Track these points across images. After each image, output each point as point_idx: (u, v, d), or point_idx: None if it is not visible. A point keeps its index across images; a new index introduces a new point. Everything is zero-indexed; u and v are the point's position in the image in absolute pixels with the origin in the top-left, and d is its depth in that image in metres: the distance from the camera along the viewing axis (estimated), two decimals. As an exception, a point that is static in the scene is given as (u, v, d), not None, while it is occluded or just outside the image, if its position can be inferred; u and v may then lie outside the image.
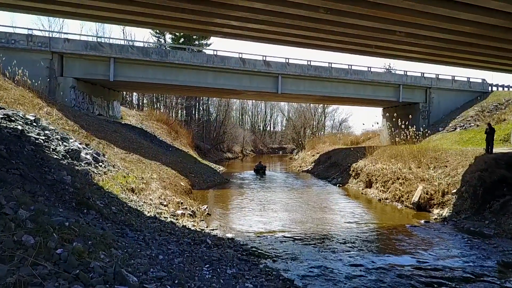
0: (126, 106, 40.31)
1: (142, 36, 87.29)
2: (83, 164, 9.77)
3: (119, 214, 7.86)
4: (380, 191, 16.45)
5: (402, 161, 16.57)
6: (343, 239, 9.55)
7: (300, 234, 9.95)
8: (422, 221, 11.57)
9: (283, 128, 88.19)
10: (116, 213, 7.79)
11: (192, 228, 9.08)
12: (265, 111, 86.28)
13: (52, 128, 11.12)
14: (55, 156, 8.93)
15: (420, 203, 13.24)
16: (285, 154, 68.90)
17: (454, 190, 12.55)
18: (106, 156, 13.25)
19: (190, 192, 15.96)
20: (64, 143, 10.37)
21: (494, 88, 30.48)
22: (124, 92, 45.13)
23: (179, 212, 10.48)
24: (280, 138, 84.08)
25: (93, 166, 10.32)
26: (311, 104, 55.22)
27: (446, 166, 14.25)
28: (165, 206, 10.79)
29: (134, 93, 47.99)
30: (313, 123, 55.05)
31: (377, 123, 37.90)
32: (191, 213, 10.94)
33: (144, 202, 10.05)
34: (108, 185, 9.41)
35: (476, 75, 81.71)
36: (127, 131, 22.15)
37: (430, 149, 16.29)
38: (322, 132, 58.04)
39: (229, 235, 9.19)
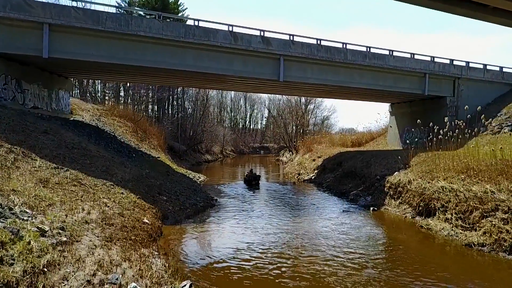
0: (89, 100, 32.74)
1: None
2: None
3: None
4: (456, 226, 10.68)
5: (485, 179, 10.92)
6: None
7: None
8: None
9: (263, 126, 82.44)
10: None
11: None
12: (246, 107, 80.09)
13: None
14: None
15: None
16: (267, 154, 63.38)
17: None
18: (-10, 184, 6.76)
19: (159, 234, 9.64)
20: None
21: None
22: (84, 81, 37.59)
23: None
24: (261, 136, 78.28)
25: None
26: (300, 99, 49.63)
27: None
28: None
29: (98, 83, 40.35)
30: (306, 121, 49.32)
31: (377, 122, 33.06)
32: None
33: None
34: None
35: (509, 63, 72.47)
36: (69, 130, 15.41)
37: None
38: (306, 131, 52.42)
39: None
